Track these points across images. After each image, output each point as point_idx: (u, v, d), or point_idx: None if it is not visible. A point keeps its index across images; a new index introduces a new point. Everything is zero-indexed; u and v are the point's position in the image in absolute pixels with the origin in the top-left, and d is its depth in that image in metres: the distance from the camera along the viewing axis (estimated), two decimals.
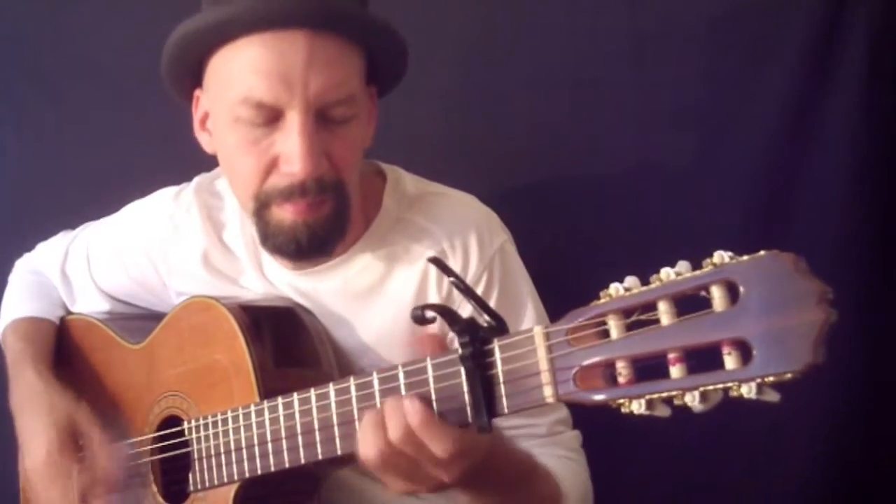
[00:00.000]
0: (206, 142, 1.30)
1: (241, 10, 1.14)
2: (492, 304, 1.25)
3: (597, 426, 1.30)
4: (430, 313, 0.93)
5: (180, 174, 1.47)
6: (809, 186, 1.62)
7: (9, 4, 1.85)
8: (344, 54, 1.18)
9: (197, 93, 1.28)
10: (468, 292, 0.94)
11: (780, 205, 1.63)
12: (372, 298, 1.31)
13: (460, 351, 0.92)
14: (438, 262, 0.98)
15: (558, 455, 1.28)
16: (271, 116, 1.17)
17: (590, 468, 1.32)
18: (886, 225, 1.61)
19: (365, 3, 1.24)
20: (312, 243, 1.22)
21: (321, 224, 1.21)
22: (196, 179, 1.44)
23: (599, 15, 1.68)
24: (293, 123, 1.15)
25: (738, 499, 1.67)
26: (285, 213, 1.20)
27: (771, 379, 0.72)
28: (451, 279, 0.96)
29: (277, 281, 1.35)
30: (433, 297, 1.29)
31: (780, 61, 1.61)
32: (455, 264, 1.29)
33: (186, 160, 1.40)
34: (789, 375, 0.71)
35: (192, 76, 1.25)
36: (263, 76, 1.15)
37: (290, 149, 1.16)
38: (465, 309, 0.99)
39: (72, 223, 1.58)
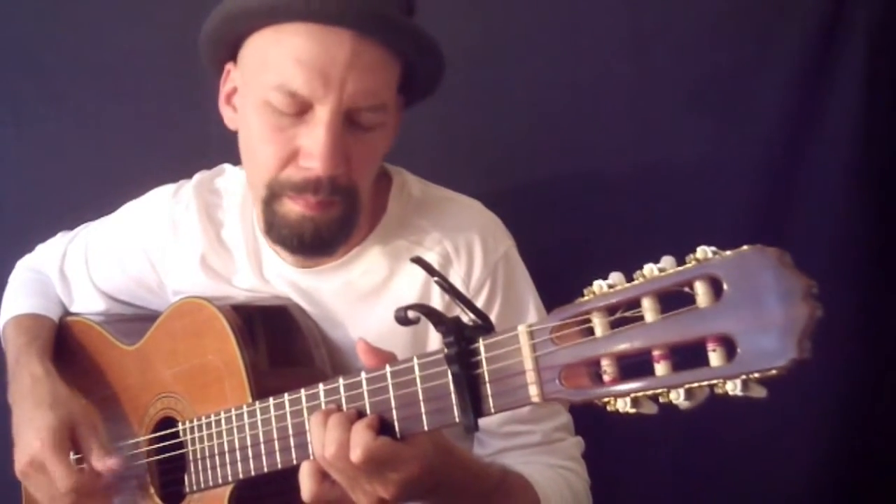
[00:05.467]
0: (230, 118, 1.28)
1: None
2: (494, 310, 1.27)
3: (597, 428, 1.29)
4: (412, 313, 0.93)
5: (179, 174, 1.46)
6: (808, 186, 1.62)
7: (9, 4, 1.85)
8: (384, 62, 1.18)
9: (229, 66, 1.26)
10: (452, 291, 0.94)
11: (778, 204, 1.63)
12: (373, 300, 1.30)
13: (445, 350, 0.91)
14: (422, 262, 0.98)
15: (551, 464, 1.26)
16: (301, 108, 1.16)
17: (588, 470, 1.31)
18: (886, 225, 1.60)
19: (412, 14, 1.23)
20: (315, 241, 1.21)
21: (327, 224, 1.20)
22: (196, 176, 1.44)
23: (599, 14, 1.68)
24: (321, 119, 1.15)
25: (739, 499, 1.65)
26: (294, 207, 1.19)
27: (756, 375, 0.71)
28: (435, 279, 0.96)
29: (276, 279, 1.34)
30: (436, 303, 1.27)
31: (779, 61, 1.61)
32: (459, 269, 1.28)
33: (185, 160, 1.40)
34: (774, 372, 0.70)
35: (228, 49, 1.24)
36: (303, 67, 1.14)
37: (313, 144, 1.15)
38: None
39: (71, 223, 1.58)
